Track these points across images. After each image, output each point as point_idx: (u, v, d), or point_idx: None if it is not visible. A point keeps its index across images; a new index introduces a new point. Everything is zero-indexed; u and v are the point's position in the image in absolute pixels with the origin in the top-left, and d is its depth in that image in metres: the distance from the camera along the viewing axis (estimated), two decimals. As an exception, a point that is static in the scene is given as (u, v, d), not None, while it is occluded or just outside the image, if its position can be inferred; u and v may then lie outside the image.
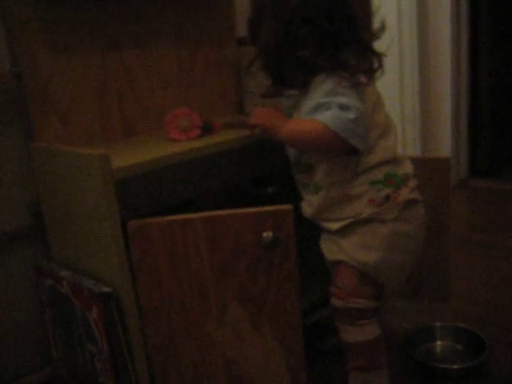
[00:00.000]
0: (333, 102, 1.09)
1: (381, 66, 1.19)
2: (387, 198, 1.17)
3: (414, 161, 1.40)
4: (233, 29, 1.70)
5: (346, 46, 1.15)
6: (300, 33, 1.12)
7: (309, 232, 1.30)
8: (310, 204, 1.25)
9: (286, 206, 1.14)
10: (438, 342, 1.51)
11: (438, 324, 1.54)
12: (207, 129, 1.40)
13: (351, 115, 1.07)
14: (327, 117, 1.08)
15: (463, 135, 3.08)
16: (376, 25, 1.19)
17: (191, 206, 1.30)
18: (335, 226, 1.21)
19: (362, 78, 1.15)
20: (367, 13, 1.23)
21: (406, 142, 2.93)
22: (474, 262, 2.00)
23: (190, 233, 1.14)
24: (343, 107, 1.07)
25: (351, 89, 1.10)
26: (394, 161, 1.19)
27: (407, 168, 1.23)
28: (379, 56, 1.19)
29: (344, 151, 1.14)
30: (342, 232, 1.20)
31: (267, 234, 1.12)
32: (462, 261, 2.00)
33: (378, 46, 1.22)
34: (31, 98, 1.34)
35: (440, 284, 1.51)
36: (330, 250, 1.24)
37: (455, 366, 1.39)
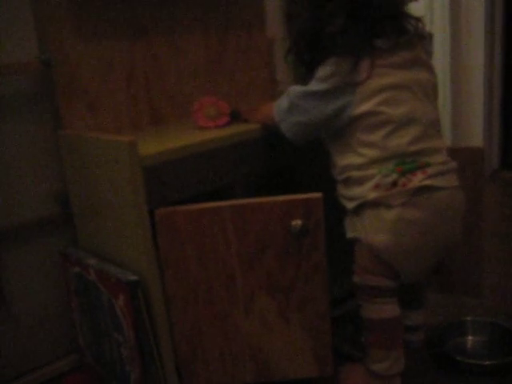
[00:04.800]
0: (298, 88, 1.21)
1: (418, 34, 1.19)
2: (394, 183, 1.15)
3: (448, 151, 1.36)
4: (262, 16, 1.67)
5: (378, 22, 1.14)
6: (329, 6, 1.14)
7: (337, 222, 1.28)
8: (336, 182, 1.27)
9: (316, 194, 1.12)
10: (470, 337, 1.47)
11: (469, 318, 1.50)
12: (236, 116, 1.38)
13: (285, 104, 1.23)
14: (277, 101, 1.27)
15: (495, 125, 3.00)
16: None
17: (219, 195, 1.28)
18: (350, 205, 1.22)
19: (360, 76, 1.13)
20: None
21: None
22: (507, 256, 1.95)
23: (217, 221, 1.12)
24: (293, 96, 1.21)
25: (327, 83, 1.15)
26: (409, 154, 1.17)
27: (433, 158, 1.19)
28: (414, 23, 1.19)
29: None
30: (356, 212, 1.21)
31: (296, 223, 1.10)
32: (494, 254, 1.94)
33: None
34: (59, 85, 1.34)
35: (472, 277, 1.47)
36: (349, 227, 1.26)
37: (486, 362, 1.35)
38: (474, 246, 1.45)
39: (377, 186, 1.17)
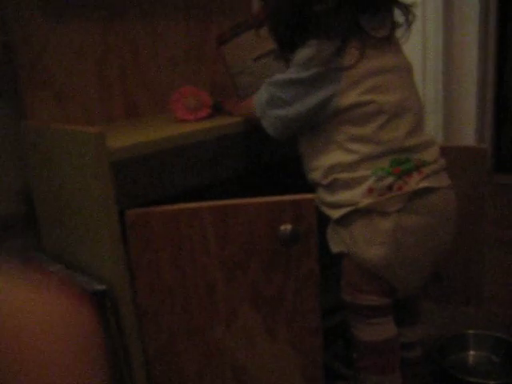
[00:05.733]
0: (276, 76, 1.08)
1: (408, 24, 1.07)
2: (390, 187, 1.02)
3: (447, 150, 1.26)
4: (248, 1, 1.55)
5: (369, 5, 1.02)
6: None
7: (323, 223, 1.15)
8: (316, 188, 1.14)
9: (308, 195, 0.99)
10: (471, 352, 1.37)
11: (471, 331, 1.39)
12: (218, 109, 1.26)
13: (264, 97, 1.08)
14: (257, 92, 1.12)
15: (487, 126, 2.93)
16: None
17: (200, 195, 1.15)
18: (335, 214, 1.07)
19: (349, 60, 1.00)
20: None
21: (426, 130, 2.79)
22: (507, 263, 1.84)
23: (196, 224, 1.00)
24: (271, 86, 1.07)
25: (308, 70, 1.02)
26: (405, 149, 1.04)
27: (427, 154, 1.07)
28: (407, 12, 1.07)
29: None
30: (343, 222, 1.07)
31: (285, 227, 0.98)
32: (493, 261, 1.84)
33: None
34: (22, 70, 1.20)
35: (473, 286, 1.36)
36: (334, 240, 1.11)
37: (491, 382, 1.24)
38: (475, 251, 1.34)
39: (370, 191, 1.03)
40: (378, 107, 1.02)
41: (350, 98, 1.01)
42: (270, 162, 1.24)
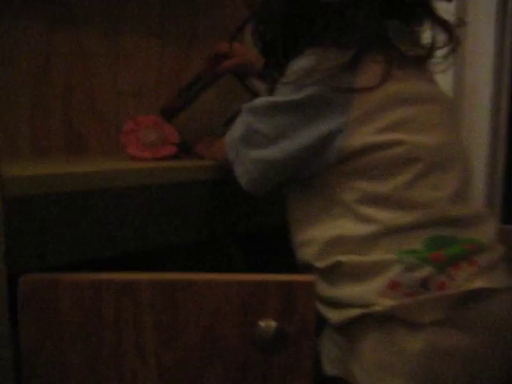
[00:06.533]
0: (257, 100, 0.77)
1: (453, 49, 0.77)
2: (425, 283, 0.69)
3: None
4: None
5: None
6: None
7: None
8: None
9: (306, 277, 0.65)
10: None
11: None
12: (186, 149, 0.95)
13: (238, 131, 0.78)
14: (233, 125, 0.82)
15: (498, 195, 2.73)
16: None
17: (139, 263, 0.80)
18: (335, 316, 0.73)
19: (366, 79, 0.70)
20: None
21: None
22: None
23: (128, 305, 0.66)
24: (249, 113, 0.76)
25: (301, 90, 0.71)
26: (450, 221, 0.72)
27: (481, 233, 0.74)
28: (449, 32, 0.77)
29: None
30: (347, 331, 0.73)
31: (267, 324, 0.63)
32: None
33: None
34: None
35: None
36: (329, 356, 0.76)
37: None
38: None
39: (393, 286, 0.69)
40: (409, 151, 0.70)
41: (365, 135, 0.70)
42: (249, 225, 0.91)
